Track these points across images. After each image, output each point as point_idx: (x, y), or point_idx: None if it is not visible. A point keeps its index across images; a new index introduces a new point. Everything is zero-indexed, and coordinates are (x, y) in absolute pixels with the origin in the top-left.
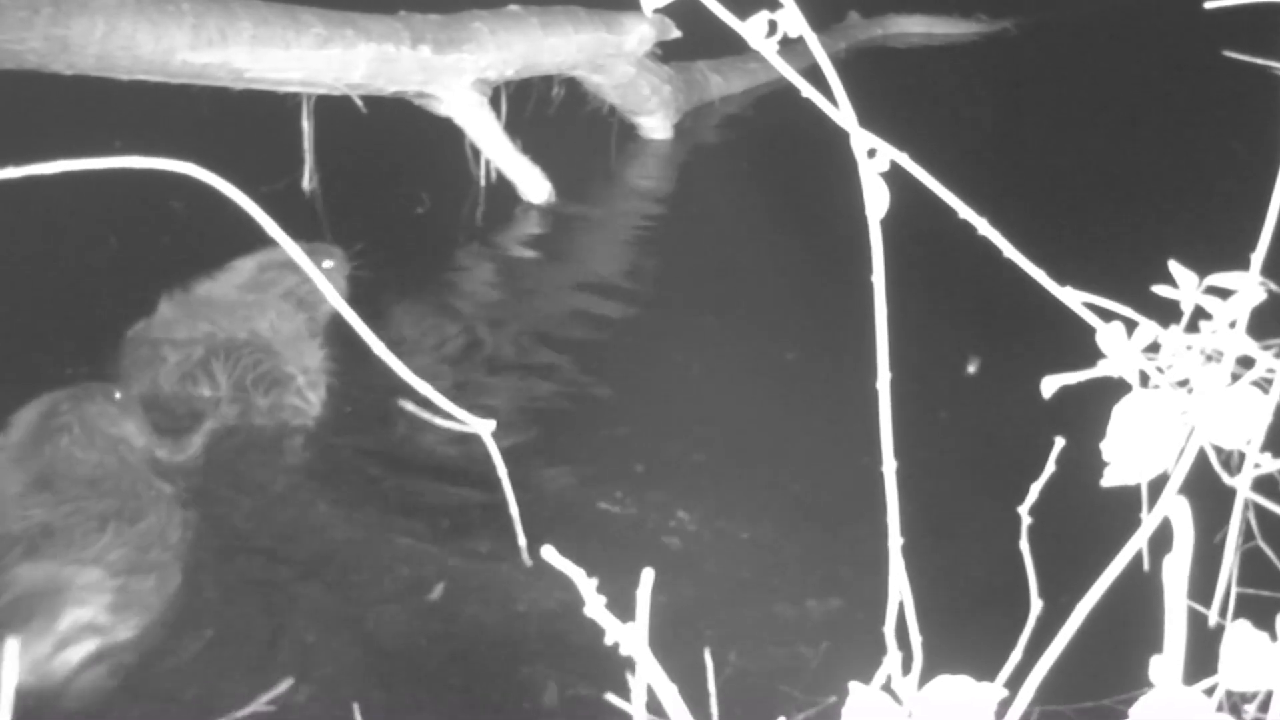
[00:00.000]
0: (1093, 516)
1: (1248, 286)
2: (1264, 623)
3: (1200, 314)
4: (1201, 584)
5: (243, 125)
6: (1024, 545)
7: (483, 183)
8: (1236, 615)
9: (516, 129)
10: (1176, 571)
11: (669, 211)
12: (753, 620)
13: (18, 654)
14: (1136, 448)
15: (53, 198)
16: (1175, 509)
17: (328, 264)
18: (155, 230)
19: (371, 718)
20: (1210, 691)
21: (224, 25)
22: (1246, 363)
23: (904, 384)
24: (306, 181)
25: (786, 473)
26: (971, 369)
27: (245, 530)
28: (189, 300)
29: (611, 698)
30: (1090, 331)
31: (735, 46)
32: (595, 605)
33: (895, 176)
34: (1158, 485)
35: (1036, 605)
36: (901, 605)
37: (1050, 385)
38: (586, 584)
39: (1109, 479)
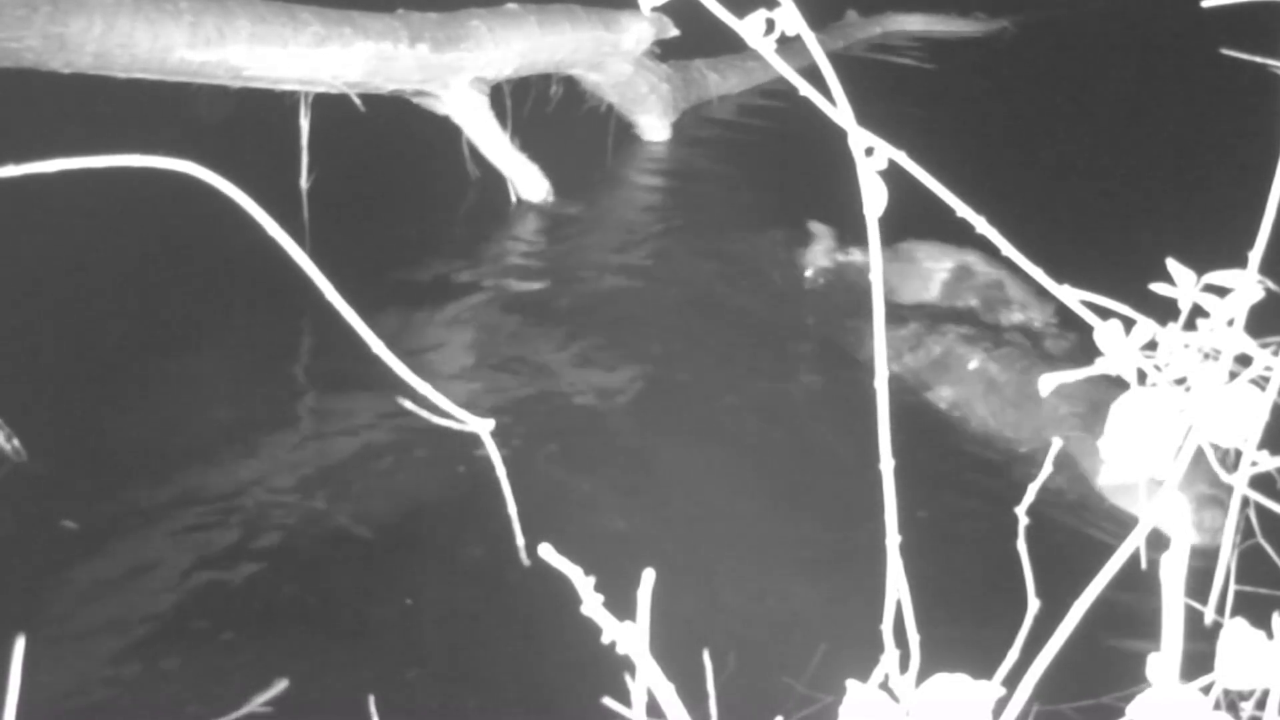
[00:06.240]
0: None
1: (1246, 284)
2: (1261, 621)
3: (1198, 312)
4: (1199, 582)
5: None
6: (1021, 545)
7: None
8: (1234, 613)
9: (514, 127)
10: (1174, 569)
11: (666, 210)
12: (752, 620)
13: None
14: (1134, 446)
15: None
16: (1173, 507)
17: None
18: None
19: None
20: (1207, 689)
21: (221, 24)
22: (1244, 360)
23: (903, 380)
24: (303, 179)
25: (786, 472)
26: (971, 365)
27: (241, 530)
28: None
29: (609, 702)
30: (1088, 329)
31: (733, 45)
32: (592, 604)
33: (893, 175)
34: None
35: (1034, 604)
36: (899, 603)
37: (1048, 383)
38: (584, 582)
39: (1107, 477)
